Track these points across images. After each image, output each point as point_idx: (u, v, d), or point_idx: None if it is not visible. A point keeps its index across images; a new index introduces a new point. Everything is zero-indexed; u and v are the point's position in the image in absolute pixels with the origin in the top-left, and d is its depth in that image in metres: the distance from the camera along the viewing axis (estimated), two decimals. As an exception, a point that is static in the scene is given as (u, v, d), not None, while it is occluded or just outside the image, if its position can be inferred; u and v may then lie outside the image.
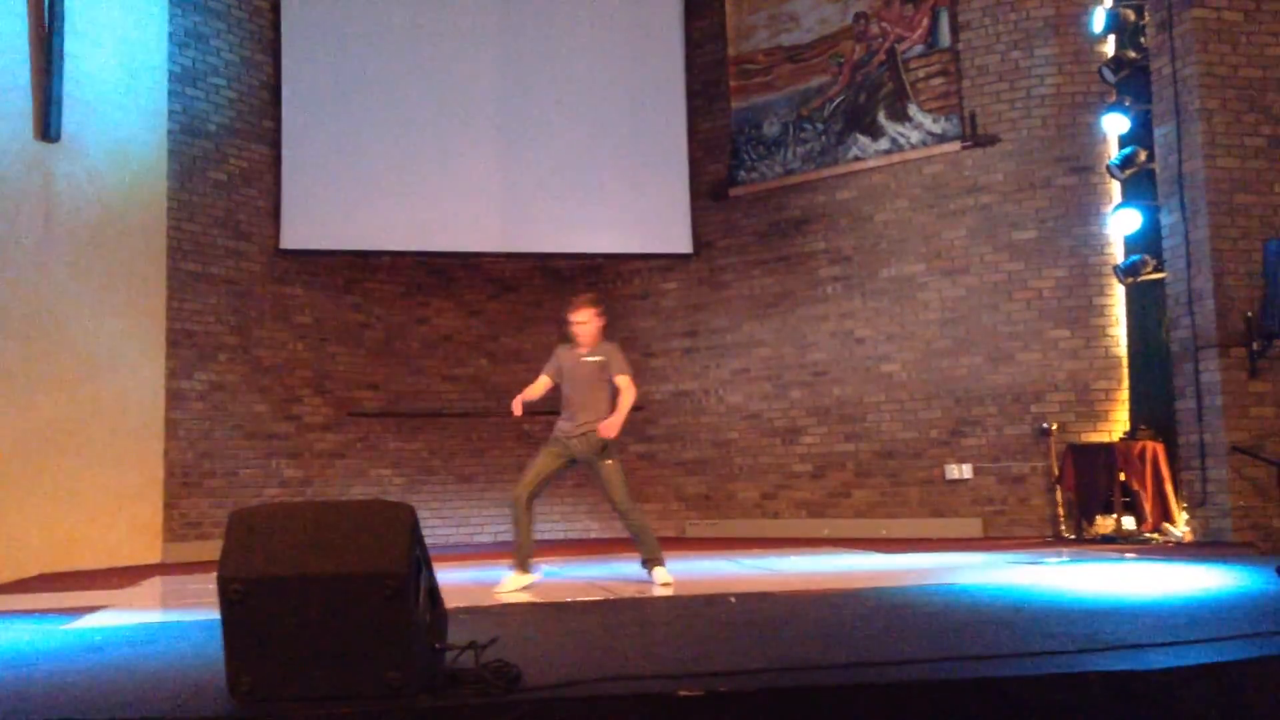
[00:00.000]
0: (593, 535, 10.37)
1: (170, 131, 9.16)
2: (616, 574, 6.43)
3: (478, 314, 10.87)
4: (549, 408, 10.62)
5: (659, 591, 5.61)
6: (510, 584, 5.81)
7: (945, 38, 9.49)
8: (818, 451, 9.89)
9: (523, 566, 5.90)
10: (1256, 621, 3.81)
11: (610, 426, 5.84)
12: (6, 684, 3.29)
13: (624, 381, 6.00)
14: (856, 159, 9.87)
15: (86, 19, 8.57)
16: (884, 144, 9.73)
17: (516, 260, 10.83)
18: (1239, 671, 3.03)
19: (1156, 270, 8.25)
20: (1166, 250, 8.07)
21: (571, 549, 8.94)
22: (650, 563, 5.92)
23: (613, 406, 5.96)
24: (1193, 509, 7.77)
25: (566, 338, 6.18)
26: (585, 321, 6.02)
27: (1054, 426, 8.73)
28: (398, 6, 10.34)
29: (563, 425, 6.04)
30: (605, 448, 5.93)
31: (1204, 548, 7.30)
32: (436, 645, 3.01)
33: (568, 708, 2.74)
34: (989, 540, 8.58)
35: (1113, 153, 8.70)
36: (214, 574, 2.87)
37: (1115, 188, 8.76)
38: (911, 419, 9.44)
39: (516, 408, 6.03)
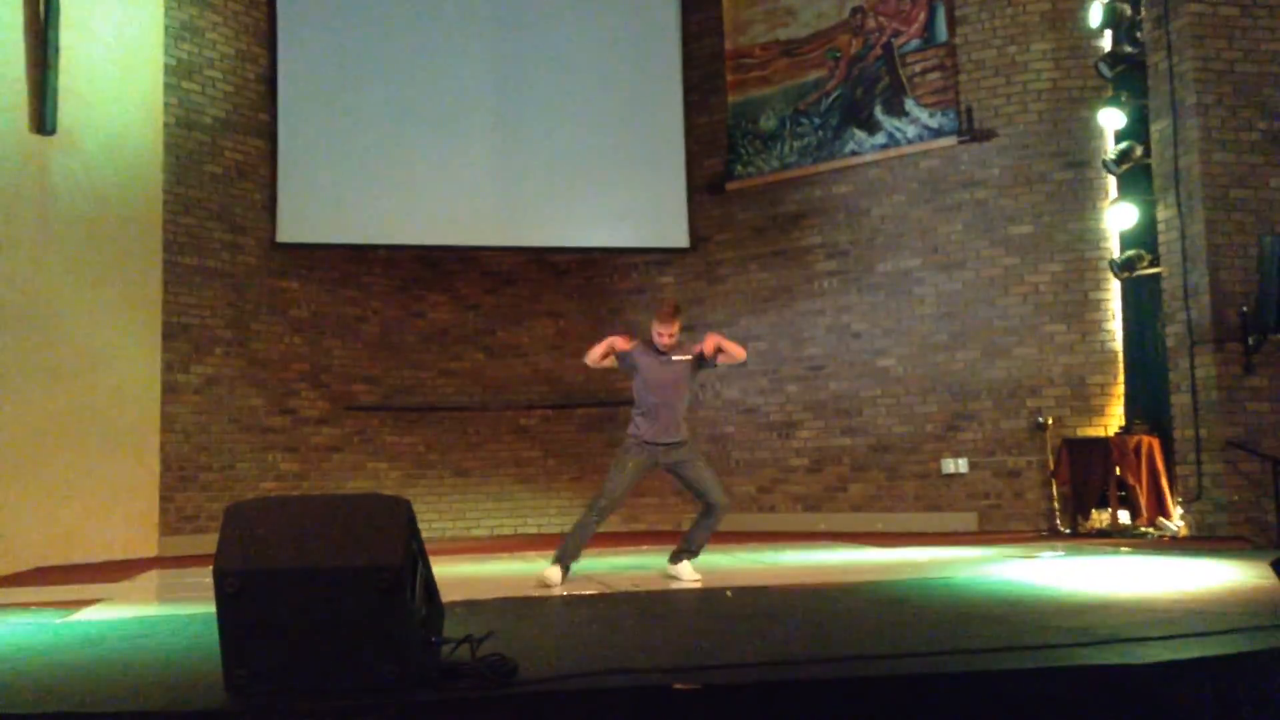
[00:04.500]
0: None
1: (166, 125, 9.14)
2: (613, 568, 6.44)
3: (474, 308, 10.87)
4: (548, 402, 10.72)
5: (688, 585, 5.54)
6: (551, 576, 5.59)
7: (942, 32, 9.48)
8: (814, 446, 9.90)
9: (565, 565, 5.69)
10: (1251, 616, 3.82)
11: (714, 343, 5.74)
12: (3, 678, 3.29)
13: (713, 339, 5.81)
14: (853, 153, 9.87)
15: (81, 11, 8.54)
16: (880, 138, 9.73)
17: (513, 254, 10.82)
18: (1233, 665, 3.04)
19: (1152, 265, 8.26)
20: (1162, 245, 8.07)
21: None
22: (690, 555, 5.80)
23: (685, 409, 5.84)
24: (1188, 503, 7.78)
25: (642, 334, 5.89)
26: (675, 335, 5.74)
27: (1049, 421, 8.74)
28: (393, 0, 10.32)
29: (645, 433, 5.71)
30: (694, 447, 5.79)
31: (1199, 542, 7.32)
32: (432, 639, 3.02)
33: (564, 701, 2.74)
34: (984, 534, 8.60)
35: (1109, 148, 8.71)
36: (210, 567, 2.87)
37: (1111, 183, 8.77)
38: (907, 413, 9.45)
39: (605, 349, 5.73)
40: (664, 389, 5.72)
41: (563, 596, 5.23)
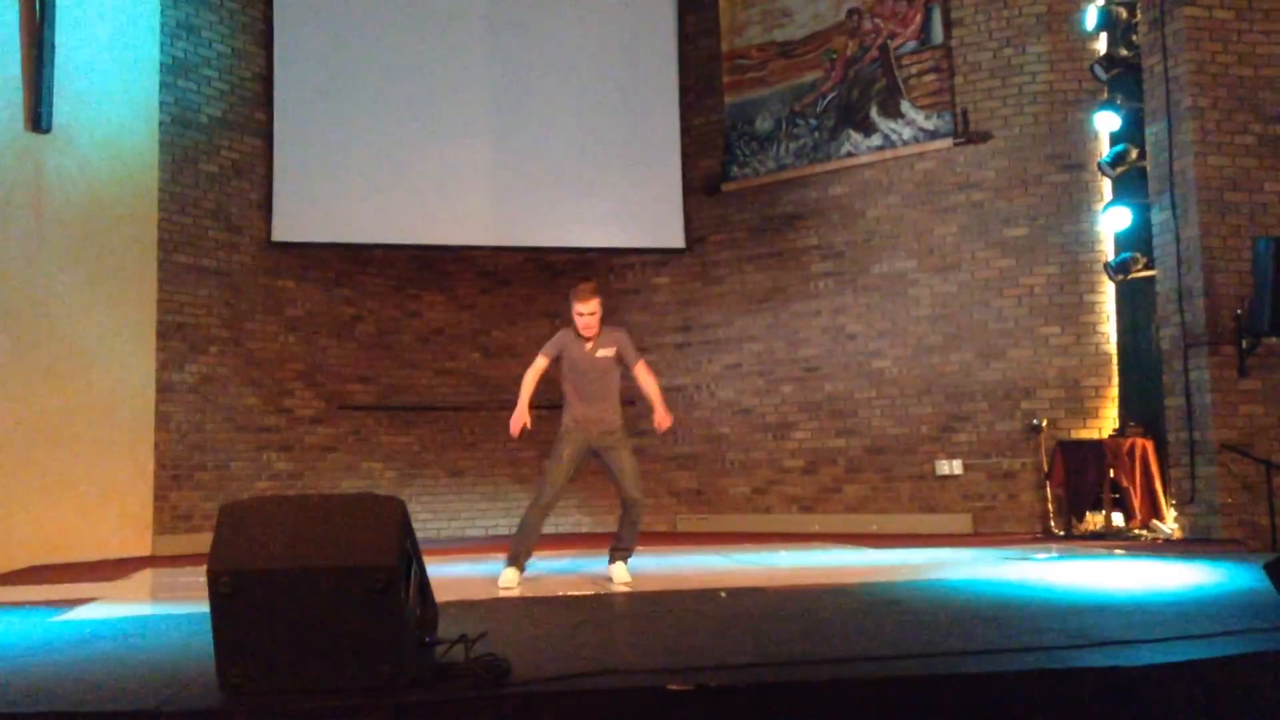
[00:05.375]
0: (584, 530, 10.38)
1: (162, 123, 9.13)
2: (605, 568, 6.42)
3: (469, 308, 10.87)
4: (544, 402, 10.66)
5: (618, 588, 5.56)
6: (509, 578, 5.66)
7: (938, 34, 9.49)
8: (809, 447, 9.91)
9: (520, 565, 5.75)
10: (1244, 618, 3.83)
11: (666, 419, 5.80)
12: (-5, 676, 3.28)
13: (644, 369, 5.90)
14: (849, 155, 9.87)
15: (78, 9, 8.53)
16: (876, 140, 9.74)
17: (509, 254, 10.82)
18: (1226, 668, 3.05)
19: (1147, 268, 8.28)
20: (1157, 248, 8.08)
21: (562, 543, 8.94)
22: (623, 554, 5.84)
23: (619, 394, 5.89)
24: (1181, 506, 7.80)
25: (568, 323, 5.94)
26: (595, 312, 5.81)
27: (1044, 423, 8.75)
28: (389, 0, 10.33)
29: (579, 415, 5.81)
30: (625, 435, 5.84)
31: (1192, 545, 7.33)
32: (426, 639, 3.02)
33: (557, 701, 2.74)
34: (979, 536, 8.61)
35: (1104, 150, 8.72)
36: (204, 566, 2.86)
37: (1106, 185, 8.78)
38: (902, 415, 9.46)
39: (520, 423, 5.79)
40: (591, 376, 5.80)
41: (557, 597, 5.24)
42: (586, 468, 5.90)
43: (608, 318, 6.07)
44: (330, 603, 2.80)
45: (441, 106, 10.30)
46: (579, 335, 5.84)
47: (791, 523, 9.80)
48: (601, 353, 5.83)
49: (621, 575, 5.75)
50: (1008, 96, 9.17)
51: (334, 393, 10.15)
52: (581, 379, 5.82)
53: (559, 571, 6.48)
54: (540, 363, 5.88)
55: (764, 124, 10.37)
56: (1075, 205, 8.93)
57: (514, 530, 5.95)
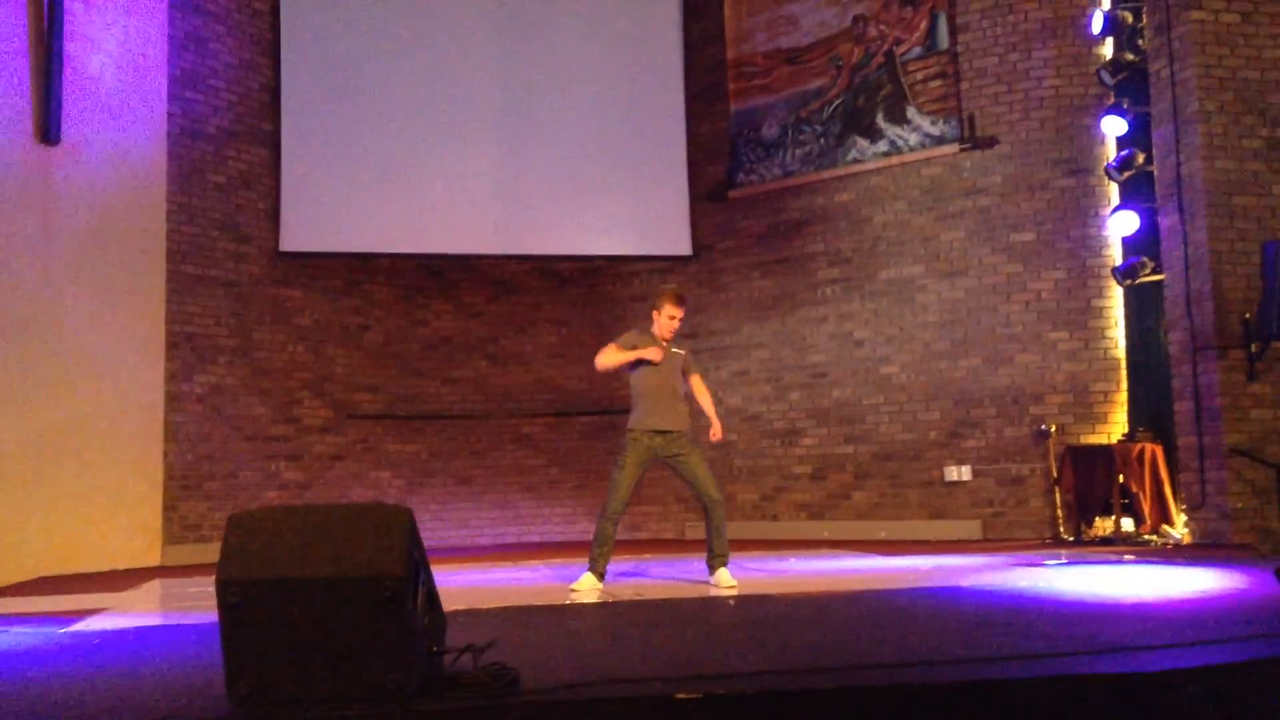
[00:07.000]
0: (590, 537, 10.35)
1: (170, 134, 9.17)
2: (615, 576, 6.43)
3: (477, 316, 10.88)
4: (551, 410, 10.73)
5: (724, 593, 5.59)
6: (586, 583, 5.82)
7: (943, 40, 9.49)
8: (817, 453, 9.89)
9: (601, 573, 5.87)
10: (1255, 623, 3.82)
11: (719, 430, 6.03)
12: (6, 687, 3.29)
13: (700, 381, 6.16)
14: (855, 161, 9.87)
15: (86, 21, 8.58)
16: (882, 146, 9.74)
17: (516, 262, 10.83)
18: (1238, 674, 3.04)
19: (1155, 272, 8.26)
20: (1165, 252, 8.07)
21: (571, 551, 8.94)
22: (720, 560, 5.92)
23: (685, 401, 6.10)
24: (1191, 511, 7.77)
25: (639, 325, 6.15)
26: (683, 317, 6.08)
27: (1053, 428, 8.73)
28: (397, 10, 10.35)
29: (648, 423, 5.92)
30: (691, 441, 5.99)
31: (1203, 550, 7.30)
32: (435, 648, 3.02)
33: (565, 710, 2.74)
34: (988, 542, 8.59)
35: (1111, 155, 8.71)
36: (213, 577, 2.87)
37: (1113, 190, 8.77)
38: (910, 421, 9.44)
39: (656, 351, 5.94)
40: (665, 374, 5.98)
41: (565, 605, 5.24)
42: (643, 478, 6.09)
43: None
44: (339, 612, 2.80)
45: (448, 115, 10.33)
46: (655, 338, 6.05)
47: (800, 529, 9.78)
48: (676, 350, 6.07)
49: (726, 580, 5.82)
50: (1014, 102, 9.17)
51: (342, 402, 10.17)
52: (654, 378, 5.96)
53: (567, 580, 6.47)
54: (612, 347, 6.05)
55: (770, 131, 10.38)
56: (1082, 210, 8.92)
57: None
